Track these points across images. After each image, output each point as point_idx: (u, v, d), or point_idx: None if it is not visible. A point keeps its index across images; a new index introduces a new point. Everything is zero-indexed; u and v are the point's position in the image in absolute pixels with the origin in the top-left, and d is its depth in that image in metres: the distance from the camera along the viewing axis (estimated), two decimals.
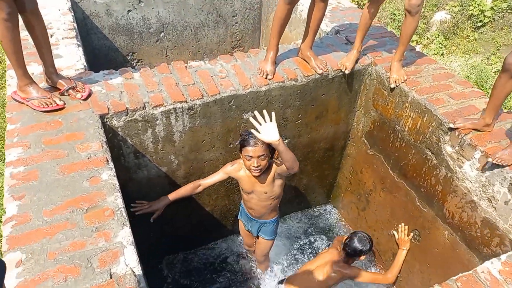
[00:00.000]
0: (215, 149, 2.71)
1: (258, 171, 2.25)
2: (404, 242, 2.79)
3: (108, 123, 2.23)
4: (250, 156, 2.20)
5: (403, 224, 2.80)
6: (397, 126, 2.69)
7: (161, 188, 2.73)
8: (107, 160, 1.90)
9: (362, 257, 2.69)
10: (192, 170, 2.75)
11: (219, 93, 2.42)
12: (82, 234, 1.55)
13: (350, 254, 2.65)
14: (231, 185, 3.05)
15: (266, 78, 2.51)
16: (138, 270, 1.47)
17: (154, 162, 2.55)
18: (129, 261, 1.47)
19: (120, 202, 1.69)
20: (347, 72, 2.66)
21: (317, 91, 2.74)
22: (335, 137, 3.21)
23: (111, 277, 1.41)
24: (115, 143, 2.33)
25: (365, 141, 3.07)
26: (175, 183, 2.76)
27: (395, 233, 2.87)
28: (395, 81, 2.57)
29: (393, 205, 2.88)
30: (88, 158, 1.90)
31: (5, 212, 1.63)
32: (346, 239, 2.71)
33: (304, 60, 2.69)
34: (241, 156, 2.28)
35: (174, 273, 3.23)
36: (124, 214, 1.65)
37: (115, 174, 1.84)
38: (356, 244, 2.61)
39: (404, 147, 2.67)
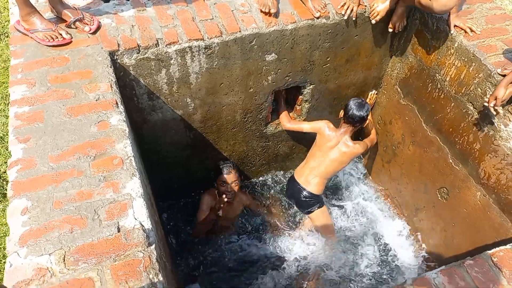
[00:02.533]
0: (234, 93, 2.52)
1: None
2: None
3: (118, 60, 2.05)
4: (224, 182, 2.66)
5: (374, 91, 2.99)
6: (437, 74, 2.40)
7: (177, 132, 2.61)
8: (117, 103, 1.76)
9: (366, 122, 2.74)
10: (209, 114, 2.59)
11: (239, 31, 2.17)
12: (89, 184, 1.46)
13: (355, 124, 2.63)
14: (249, 131, 2.91)
15: (269, 12, 2.18)
16: (148, 224, 1.39)
17: (169, 105, 2.40)
18: (138, 215, 1.39)
19: (129, 150, 1.58)
20: (373, 22, 2.32)
21: (350, 31, 2.44)
22: (365, 84, 2.94)
23: (118, 231, 1.33)
24: (127, 83, 2.17)
25: (399, 89, 2.80)
26: (191, 127, 2.63)
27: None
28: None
29: (422, 160, 2.69)
30: (96, 100, 1.75)
31: (11, 155, 1.55)
32: (344, 113, 2.66)
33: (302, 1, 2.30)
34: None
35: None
36: (134, 164, 1.54)
37: (125, 119, 1.70)
38: (357, 111, 2.57)
39: (442, 99, 2.40)
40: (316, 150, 2.80)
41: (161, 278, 1.25)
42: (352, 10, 2.29)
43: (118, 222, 1.36)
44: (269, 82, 2.54)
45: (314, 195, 2.81)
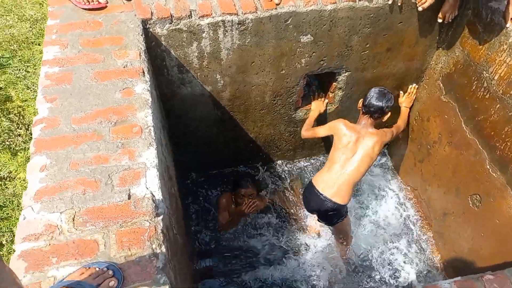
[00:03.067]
0: (265, 73, 2.46)
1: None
2: (409, 100, 2.89)
3: (150, 29, 2.04)
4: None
5: (414, 85, 2.82)
6: (484, 72, 2.21)
7: (205, 107, 2.60)
8: (143, 72, 1.75)
9: (387, 116, 2.50)
10: (238, 93, 2.55)
11: (275, 8, 2.09)
12: (107, 148, 1.47)
13: (373, 114, 2.45)
14: (278, 115, 2.84)
15: None
16: (158, 195, 1.38)
17: (198, 79, 2.38)
18: (150, 184, 1.39)
19: (150, 120, 1.57)
20: (420, 9, 2.14)
21: (394, 17, 2.28)
22: (405, 76, 2.78)
23: (129, 198, 1.34)
24: (158, 53, 2.16)
25: (441, 85, 2.61)
26: (219, 104, 2.60)
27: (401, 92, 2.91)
28: None
29: (457, 163, 2.52)
30: (124, 67, 1.76)
31: (38, 113, 1.59)
32: (363, 102, 2.49)
33: None
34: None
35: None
36: (152, 134, 1.53)
37: (149, 88, 1.69)
38: (376, 101, 2.42)
39: (487, 99, 2.22)
40: (337, 154, 2.49)
41: (163, 250, 1.25)
42: None
43: (129, 190, 1.36)
44: (302, 65, 2.45)
45: (341, 206, 2.47)
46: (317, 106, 2.81)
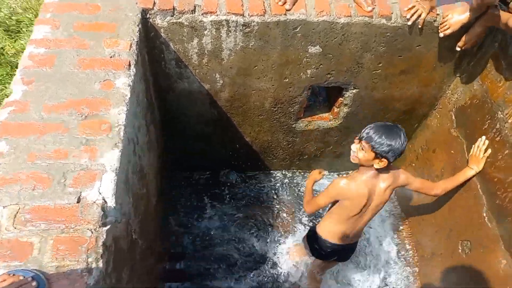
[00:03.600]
0: (267, 79, 2.33)
1: None
2: (476, 159, 2.12)
3: (151, 20, 1.94)
4: None
5: (483, 137, 2.10)
6: (500, 112, 2.01)
7: (202, 106, 2.50)
8: (129, 65, 1.66)
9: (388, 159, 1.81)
10: (237, 95, 2.44)
11: (285, 14, 1.95)
12: (69, 143, 1.39)
13: (380, 154, 1.79)
14: (277, 123, 2.72)
15: (369, 8, 1.93)
16: (111, 202, 1.30)
17: (196, 76, 2.28)
18: (104, 189, 1.30)
19: (122, 118, 1.48)
20: (441, 35, 1.96)
21: (413, 39, 2.11)
22: (418, 101, 2.59)
23: (78, 201, 1.26)
24: (157, 45, 2.07)
25: (453, 117, 2.42)
26: (216, 104, 2.50)
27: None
28: None
29: (455, 203, 2.34)
30: (111, 57, 1.67)
31: (11, 94, 1.53)
32: (372, 146, 1.79)
33: None
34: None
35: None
36: (121, 134, 1.44)
37: (131, 84, 1.60)
38: (380, 138, 1.76)
39: (497, 142, 2.03)
40: (347, 214, 2.03)
41: (100, 265, 1.17)
42: (419, 16, 1.96)
43: (81, 192, 1.28)
44: (308, 76, 2.31)
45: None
46: (313, 175, 2.22)
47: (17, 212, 1.22)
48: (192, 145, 2.89)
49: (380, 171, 1.90)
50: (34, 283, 1.06)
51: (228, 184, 3.22)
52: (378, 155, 1.79)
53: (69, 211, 1.24)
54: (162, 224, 2.71)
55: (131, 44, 1.73)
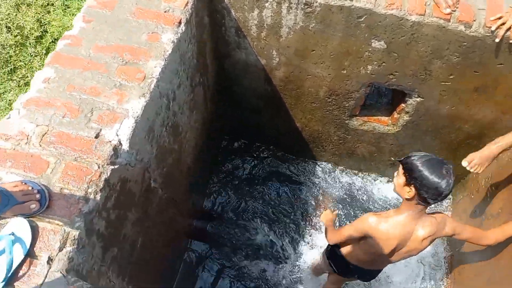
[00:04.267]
0: (324, 66, 2.23)
1: None
2: None
3: None
4: None
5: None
6: None
7: (257, 80, 2.50)
8: (180, 22, 1.70)
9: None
10: (291, 77, 2.38)
11: (350, 0, 1.82)
12: (105, 84, 1.50)
13: (427, 200, 1.50)
14: (329, 114, 2.61)
15: (447, 10, 1.73)
16: (125, 145, 1.38)
17: (254, 49, 2.27)
18: (121, 132, 1.39)
19: (157, 72, 1.54)
20: None
21: (495, 55, 1.83)
22: (491, 127, 2.28)
23: (96, 137, 1.36)
24: (219, 9, 2.08)
25: None
26: (271, 81, 2.47)
27: None
28: None
29: (503, 252, 2.05)
30: (165, 12, 1.73)
31: (71, 28, 1.67)
32: (415, 183, 1.49)
33: None
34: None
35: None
36: (152, 86, 1.51)
37: (175, 41, 1.65)
38: (424, 168, 1.46)
39: None
40: (372, 251, 1.80)
41: (98, 198, 1.26)
42: (508, 29, 1.69)
43: (100, 129, 1.38)
44: (368, 72, 2.16)
45: None
46: (327, 217, 1.97)
47: (45, 133, 1.36)
48: (247, 118, 2.93)
49: (422, 215, 1.63)
50: (38, 196, 1.19)
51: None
52: (409, 181, 1.51)
53: (86, 143, 1.34)
54: (201, 183, 2.82)
55: (187, 3, 1.77)
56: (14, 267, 1.11)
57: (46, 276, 1.12)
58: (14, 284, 1.12)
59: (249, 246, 2.87)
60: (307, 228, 2.96)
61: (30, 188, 1.20)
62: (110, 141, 1.36)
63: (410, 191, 1.53)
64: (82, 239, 1.22)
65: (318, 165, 3.19)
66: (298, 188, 3.09)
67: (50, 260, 1.14)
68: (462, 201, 2.78)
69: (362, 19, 1.87)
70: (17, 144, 1.33)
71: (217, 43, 2.29)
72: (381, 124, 2.61)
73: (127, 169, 1.44)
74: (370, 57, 2.06)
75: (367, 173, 3.15)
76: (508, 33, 1.70)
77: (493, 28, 1.70)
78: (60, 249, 1.16)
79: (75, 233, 1.19)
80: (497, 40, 1.72)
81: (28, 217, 1.19)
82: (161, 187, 1.93)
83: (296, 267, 2.81)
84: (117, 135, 1.38)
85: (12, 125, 1.37)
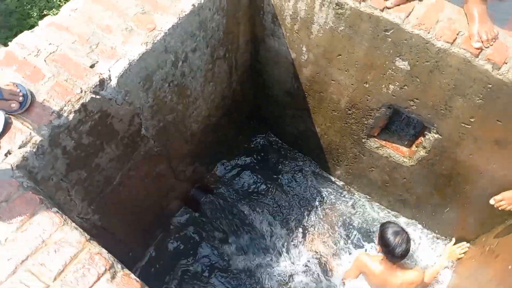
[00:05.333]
0: (348, 75, 2.18)
1: None
2: (452, 255, 2.56)
3: None
4: None
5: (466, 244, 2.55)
6: None
7: (285, 73, 2.52)
8: None
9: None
10: (317, 78, 2.36)
11: (381, 10, 1.77)
12: (119, 25, 1.63)
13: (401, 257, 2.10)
14: (348, 127, 2.54)
15: (477, 44, 1.62)
16: (113, 83, 1.51)
17: (286, 39, 2.29)
18: (113, 69, 1.51)
19: (167, 28, 1.64)
20: None
21: None
22: (510, 187, 2.06)
23: (91, 67, 1.50)
24: None
25: None
26: (298, 78, 2.48)
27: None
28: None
29: None
30: None
31: None
32: (382, 244, 2.12)
33: (467, 17, 1.64)
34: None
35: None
36: (158, 39, 1.61)
37: (195, 4, 1.72)
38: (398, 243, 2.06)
39: None
40: (369, 286, 2.38)
41: (70, 117, 1.41)
42: None
43: (97, 61, 1.52)
44: (389, 92, 2.07)
45: None
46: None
47: (53, 52, 1.53)
48: (273, 111, 2.96)
49: (398, 267, 2.18)
50: (21, 98, 1.36)
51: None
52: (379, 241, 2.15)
53: (80, 69, 1.49)
54: (209, 157, 2.91)
55: None
56: None
57: None
58: None
59: (237, 228, 2.92)
60: (302, 233, 2.92)
61: (18, 90, 1.37)
62: (101, 74, 1.50)
63: (378, 248, 2.18)
64: (44, 146, 1.37)
65: (331, 180, 3.12)
66: (308, 192, 3.06)
67: (8, 153, 1.30)
68: (466, 261, 2.55)
69: (389, 33, 1.80)
70: (28, 54, 1.52)
71: (254, 26, 2.35)
72: (398, 153, 2.48)
73: (111, 104, 1.57)
74: (393, 76, 1.98)
75: (376, 201, 3.01)
76: None
77: None
78: (20, 147, 1.32)
79: (38, 138, 1.35)
80: None
81: (7, 114, 1.36)
82: (154, 139, 2.06)
83: (282, 263, 2.80)
84: (109, 71, 1.51)
85: (31, 38, 1.56)
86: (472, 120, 1.87)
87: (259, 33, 2.39)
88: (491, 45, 1.59)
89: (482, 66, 1.62)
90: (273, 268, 2.79)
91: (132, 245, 2.56)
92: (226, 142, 3.08)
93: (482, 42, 1.59)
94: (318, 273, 2.79)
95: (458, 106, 1.85)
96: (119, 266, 1.20)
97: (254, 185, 3.11)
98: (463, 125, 1.92)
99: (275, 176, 3.13)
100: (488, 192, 2.10)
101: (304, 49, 2.25)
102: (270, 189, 3.07)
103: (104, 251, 1.21)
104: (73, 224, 1.24)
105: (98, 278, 1.17)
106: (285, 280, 2.76)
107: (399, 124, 2.57)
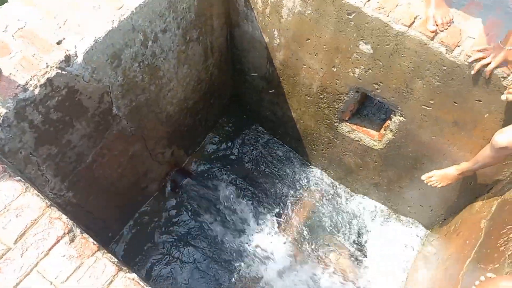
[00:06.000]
0: (317, 59, 2.24)
1: None
2: None
3: None
4: None
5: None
6: None
7: (260, 58, 2.58)
8: None
9: None
10: (290, 62, 2.42)
11: None
12: (87, 2, 1.68)
13: None
14: (321, 112, 2.60)
15: (432, 28, 1.68)
16: (80, 59, 1.56)
17: (259, 24, 2.34)
18: (80, 46, 1.56)
19: (133, 6, 1.68)
20: (503, 98, 1.54)
21: (472, 89, 1.74)
22: None
23: (58, 43, 1.55)
24: None
25: (493, 208, 1.95)
26: (272, 62, 2.54)
27: None
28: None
29: None
30: None
31: None
32: None
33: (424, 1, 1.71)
34: None
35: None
36: (124, 17, 1.66)
37: None
38: None
39: None
40: None
41: (36, 92, 1.46)
42: (486, 65, 1.59)
43: (64, 38, 1.57)
44: (355, 75, 2.14)
45: None
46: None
47: (21, 28, 1.58)
48: (250, 93, 3.02)
49: None
50: None
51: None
52: None
53: (47, 46, 1.54)
54: (188, 140, 2.97)
55: None
56: None
57: None
58: None
59: (212, 207, 3.00)
60: (276, 216, 3.01)
61: None
62: (67, 50, 1.55)
63: None
64: (9, 119, 1.42)
65: (309, 167, 3.20)
66: (285, 177, 3.14)
67: None
68: (434, 242, 2.65)
69: (351, 17, 1.86)
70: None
71: (229, 10, 2.40)
72: (368, 136, 2.55)
73: (78, 80, 1.62)
74: (357, 60, 2.05)
75: (350, 186, 3.10)
76: (485, 69, 1.60)
77: (470, 59, 1.61)
78: None
79: (3, 111, 1.40)
80: (472, 72, 1.63)
81: None
82: (127, 119, 2.11)
83: (252, 242, 2.89)
84: (75, 47, 1.56)
85: (0, 14, 1.61)
86: (432, 102, 1.94)
87: (234, 17, 2.44)
88: (446, 29, 1.66)
89: (437, 49, 1.69)
90: (245, 243, 2.88)
91: (109, 223, 2.62)
92: (206, 126, 3.14)
93: (437, 25, 1.66)
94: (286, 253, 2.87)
95: (418, 88, 1.92)
96: (78, 230, 1.27)
97: (233, 170, 3.17)
98: (424, 107, 2.00)
99: (254, 162, 3.19)
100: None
101: (276, 33, 2.30)
102: (249, 175, 3.14)
103: (63, 216, 1.27)
104: (35, 191, 1.30)
105: (58, 241, 1.23)
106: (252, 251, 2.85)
107: (371, 109, 2.64)
